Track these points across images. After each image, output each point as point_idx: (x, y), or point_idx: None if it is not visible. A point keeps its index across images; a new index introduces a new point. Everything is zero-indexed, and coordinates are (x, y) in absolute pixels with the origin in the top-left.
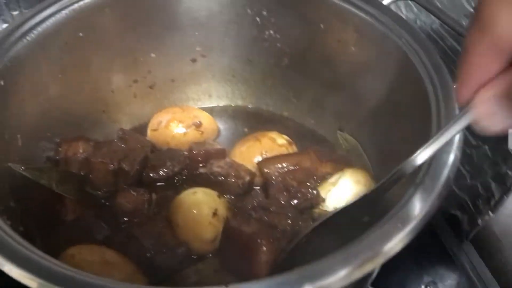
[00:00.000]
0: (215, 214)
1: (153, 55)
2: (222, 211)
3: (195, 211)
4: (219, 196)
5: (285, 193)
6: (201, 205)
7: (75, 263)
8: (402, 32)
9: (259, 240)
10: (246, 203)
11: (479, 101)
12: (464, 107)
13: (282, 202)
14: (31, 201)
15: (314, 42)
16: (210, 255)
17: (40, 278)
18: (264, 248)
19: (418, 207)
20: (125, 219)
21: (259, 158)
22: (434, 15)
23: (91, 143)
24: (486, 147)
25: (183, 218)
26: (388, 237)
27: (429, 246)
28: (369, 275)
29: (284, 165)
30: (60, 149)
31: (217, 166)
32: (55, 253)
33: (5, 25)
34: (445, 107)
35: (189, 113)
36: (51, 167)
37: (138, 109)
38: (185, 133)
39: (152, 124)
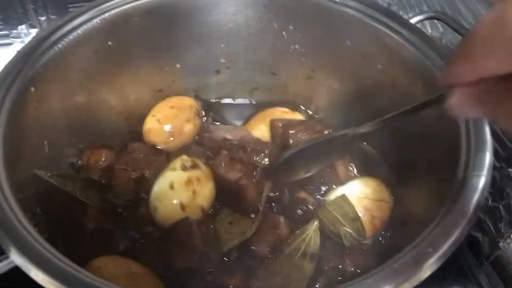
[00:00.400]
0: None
1: (178, 65)
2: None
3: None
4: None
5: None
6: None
7: (101, 275)
8: (430, 52)
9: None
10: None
11: (456, 92)
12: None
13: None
14: (55, 208)
15: (339, 57)
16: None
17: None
18: (249, 189)
19: (449, 231)
20: (150, 229)
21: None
22: (459, 33)
23: (113, 152)
24: (510, 169)
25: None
26: (422, 260)
27: (448, 267)
28: None
29: (297, 124)
30: (82, 156)
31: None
32: (79, 261)
33: (32, 30)
34: (475, 129)
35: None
36: (75, 175)
37: None
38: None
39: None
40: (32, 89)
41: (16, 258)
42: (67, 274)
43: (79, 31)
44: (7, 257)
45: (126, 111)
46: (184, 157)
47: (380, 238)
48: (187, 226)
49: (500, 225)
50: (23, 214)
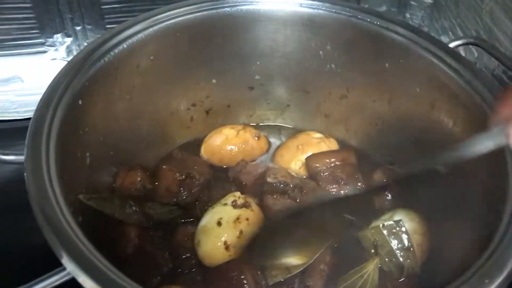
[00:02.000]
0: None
1: (214, 80)
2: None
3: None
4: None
5: (335, 185)
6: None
7: None
8: (471, 78)
9: None
10: None
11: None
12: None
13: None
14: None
15: (376, 79)
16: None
17: None
18: None
19: (503, 263)
20: (187, 255)
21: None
22: (497, 60)
23: (148, 173)
24: None
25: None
26: None
27: None
28: None
29: (332, 160)
30: (117, 178)
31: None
32: None
33: (67, 39)
34: None
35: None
36: (112, 195)
37: (192, 131)
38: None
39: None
40: (80, 102)
41: (67, 265)
42: (114, 282)
43: (125, 45)
44: (64, 269)
45: (161, 125)
46: (237, 193)
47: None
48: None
49: None
50: (75, 222)
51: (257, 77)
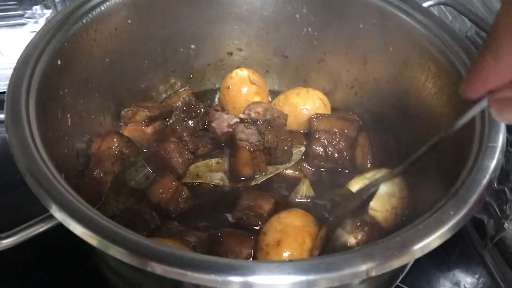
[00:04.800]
0: None
1: (193, 46)
2: None
3: None
4: None
5: (322, 155)
6: None
7: None
8: (442, 35)
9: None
10: None
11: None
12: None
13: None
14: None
15: (352, 40)
16: None
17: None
18: None
19: (468, 197)
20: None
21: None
22: (471, 21)
23: (125, 139)
24: None
25: None
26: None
27: (454, 248)
28: (400, 271)
29: (334, 129)
30: (92, 144)
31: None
32: None
33: (47, 11)
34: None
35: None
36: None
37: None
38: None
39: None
40: (59, 62)
41: (56, 214)
42: (102, 226)
43: (102, 7)
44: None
45: (141, 91)
46: None
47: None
48: None
49: (505, 207)
50: (59, 175)
51: (235, 42)
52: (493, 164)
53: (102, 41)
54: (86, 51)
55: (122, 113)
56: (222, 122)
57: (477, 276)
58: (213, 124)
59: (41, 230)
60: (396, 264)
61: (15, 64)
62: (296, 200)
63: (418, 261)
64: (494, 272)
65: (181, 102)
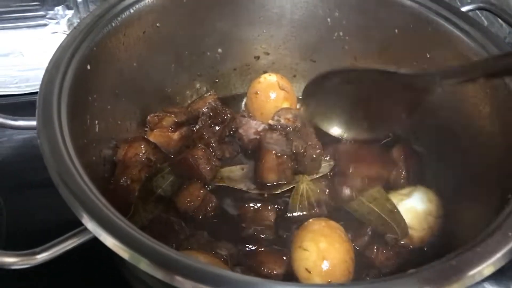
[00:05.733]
0: None
1: (219, 50)
2: None
3: None
4: None
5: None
6: None
7: None
8: (483, 41)
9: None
10: None
11: None
12: None
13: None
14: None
15: (384, 46)
16: None
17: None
18: None
19: None
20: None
21: None
22: (508, 24)
23: (152, 145)
24: None
25: None
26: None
27: None
28: None
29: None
30: (119, 150)
31: None
32: None
33: (68, 12)
34: None
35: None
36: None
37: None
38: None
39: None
40: (88, 66)
41: (88, 224)
42: (134, 238)
43: (131, 10)
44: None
45: (166, 95)
46: None
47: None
48: None
49: None
50: (92, 183)
51: (263, 45)
52: None
53: (130, 45)
54: (114, 55)
55: (148, 118)
56: (249, 129)
57: None
58: (240, 131)
59: (75, 244)
60: None
61: (46, 66)
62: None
63: None
64: None
65: (207, 108)
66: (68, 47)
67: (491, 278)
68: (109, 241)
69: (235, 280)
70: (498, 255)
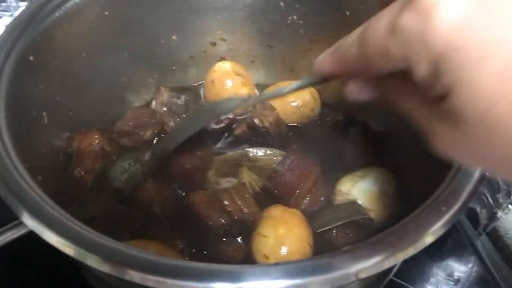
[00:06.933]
0: None
1: (174, 37)
2: None
3: None
4: None
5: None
6: None
7: None
8: None
9: None
10: None
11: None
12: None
13: None
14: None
15: (338, 29)
16: None
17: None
18: None
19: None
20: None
21: None
22: None
23: (106, 135)
24: None
25: None
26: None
27: (446, 237)
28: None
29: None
30: (73, 141)
31: None
32: None
33: (22, 3)
34: None
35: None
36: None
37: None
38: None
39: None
40: (31, 58)
41: (29, 222)
42: (79, 234)
43: None
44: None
45: (122, 85)
46: None
47: None
48: None
49: (498, 196)
50: (33, 180)
51: (218, 31)
52: None
53: (77, 34)
54: (60, 45)
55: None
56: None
57: (470, 265)
58: None
59: (12, 237)
60: (387, 264)
61: None
62: None
63: None
64: (486, 261)
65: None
66: (7, 39)
67: (453, 255)
68: (53, 239)
69: (185, 267)
70: (430, 230)
